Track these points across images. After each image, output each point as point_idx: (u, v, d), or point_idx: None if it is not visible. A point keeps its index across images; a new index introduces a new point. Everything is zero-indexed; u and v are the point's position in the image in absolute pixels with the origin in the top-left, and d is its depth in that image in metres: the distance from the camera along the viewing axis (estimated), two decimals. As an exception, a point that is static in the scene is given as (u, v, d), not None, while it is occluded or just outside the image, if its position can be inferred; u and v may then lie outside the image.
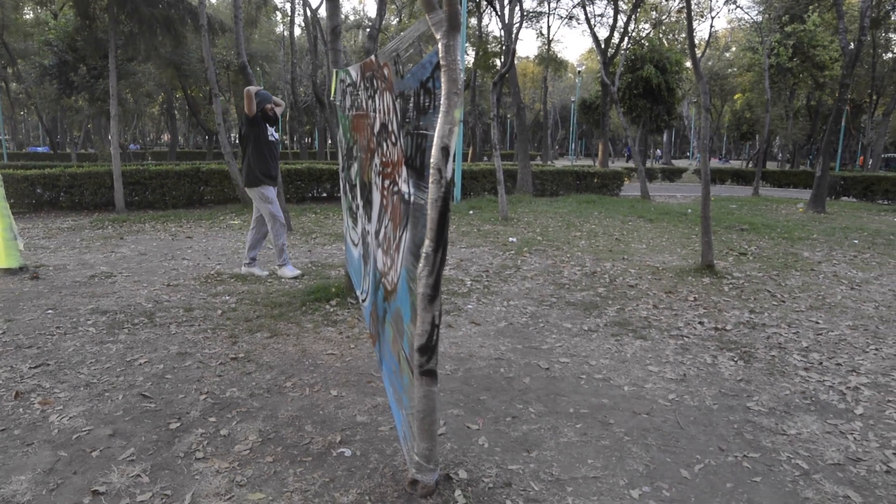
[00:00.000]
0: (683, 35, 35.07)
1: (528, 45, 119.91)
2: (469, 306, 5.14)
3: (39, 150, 39.35)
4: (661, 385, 3.56)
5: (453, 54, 1.95)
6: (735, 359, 4.01)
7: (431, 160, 2.01)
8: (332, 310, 4.89)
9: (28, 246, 7.50)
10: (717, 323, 4.78)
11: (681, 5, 25.39)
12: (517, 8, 14.50)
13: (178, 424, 2.95)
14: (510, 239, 8.57)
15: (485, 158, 36.99)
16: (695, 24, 6.57)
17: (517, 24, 15.77)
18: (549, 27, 43.44)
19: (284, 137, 45.74)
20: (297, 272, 6.08)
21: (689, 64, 29.41)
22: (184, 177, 12.43)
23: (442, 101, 1.98)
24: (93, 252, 7.50)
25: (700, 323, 4.78)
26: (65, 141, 39.85)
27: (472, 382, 3.53)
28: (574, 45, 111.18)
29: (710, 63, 41.35)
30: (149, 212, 11.58)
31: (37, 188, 11.51)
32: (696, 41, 6.97)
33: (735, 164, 47.25)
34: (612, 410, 3.21)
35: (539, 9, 30.46)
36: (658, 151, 51.27)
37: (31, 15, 29.95)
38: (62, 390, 3.34)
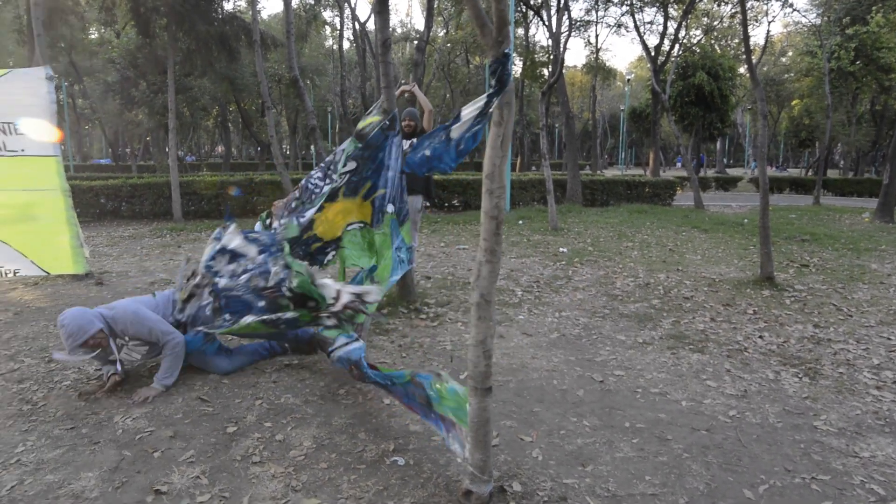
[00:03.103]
0: (737, 41, 34.25)
1: (575, 54, 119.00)
2: (520, 317, 5.09)
3: (102, 162, 41.16)
4: (720, 401, 3.44)
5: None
6: (800, 375, 3.84)
7: (484, 173, 2.02)
8: (383, 319, 4.92)
9: (93, 253, 7.82)
10: (778, 337, 4.60)
11: (734, 10, 24.78)
12: (565, 17, 14.42)
13: (235, 428, 3.01)
14: (561, 249, 8.48)
15: (533, 168, 36.80)
16: (750, 28, 6.38)
17: (565, 34, 15.70)
18: (597, 36, 43.17)
19: (333, 148, 46.54)
20: None
21: (742, 70, 28.67)
22: (238, 187, 12.78)
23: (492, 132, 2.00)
24: (152, 259, 7.77)
25: (760, 337, 4.61)
26: (126, 153, 41.55)
27: (525, 394, 3.49)
28: (623, 53, 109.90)
29: (765, 68, 40.16)
30: (204, 221, 11.95)
31: (101, 198, 12.04)
32: (752, 46, 6.77)
33: (793, 172, 45.67)
34: (669, 426, 3.12)
35: (587, 17, 30.22)
36: (699, 158, 50.03)
37: (96, 35, 31.42)
38: (126, 391, 3.45)
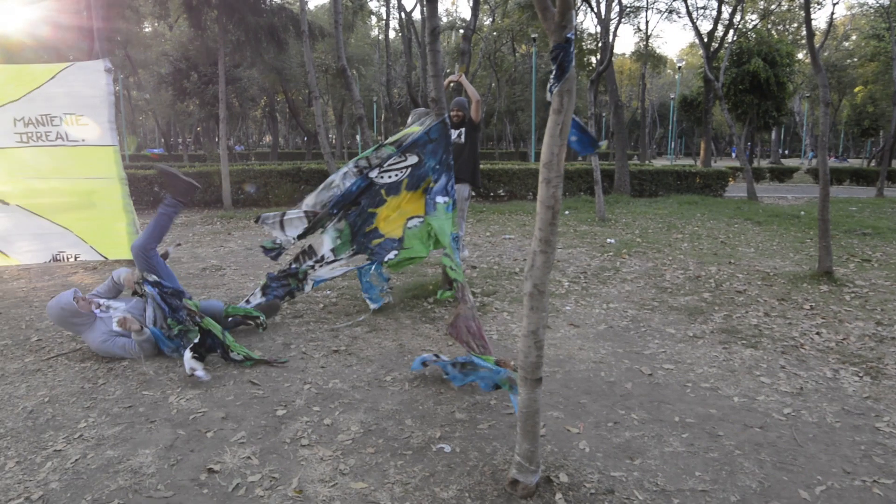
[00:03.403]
0: (796, 24, 32.90)
1: (624, 42, 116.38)
2: (567, 308, 5.04)
3: (155, 151, 42.50)
4: (774, 398, 3.33)
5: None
6: (860, 374, 3.68)
7: (542, 162, 1.99)
8: (429, 307, 4.94)
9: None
10: (837, 334, 4.42)
11: (794, -7, 23.78)
12: (615, 3, 14.10)
13: (285, 412, 3.08)
14: (608, 240, 8.34)
15: (579, 158, 36.33)
16: (812, 11, 6.08)
17: (614, 21, 15.36)
18: (647, 22, 42.06)
19: (379, 137, 46.89)
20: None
21: (801, 55, 27.54)
22: (285, 176, 13.00)
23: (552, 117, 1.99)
24: (204, 246, 7.99)
25: (818, 334, 4.43)
26: (178, 143, 42.79)
27: (572, 385, 3.45)
28: (674, 40, 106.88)
29: (826, 53, 38.48)
30: (253, 209, 12.21)
31: (154, 187, 12.41)
32: (814, 30, 6.49)
33: (854, 162, 43.76)
34: (720, 422, 3.03)
35: (637, 3, 29.51)
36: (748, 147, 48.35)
37: (150, 28, 32.39)
38: (178, 375, 3.56)
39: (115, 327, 3.77)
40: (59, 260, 5.62)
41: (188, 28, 16.93)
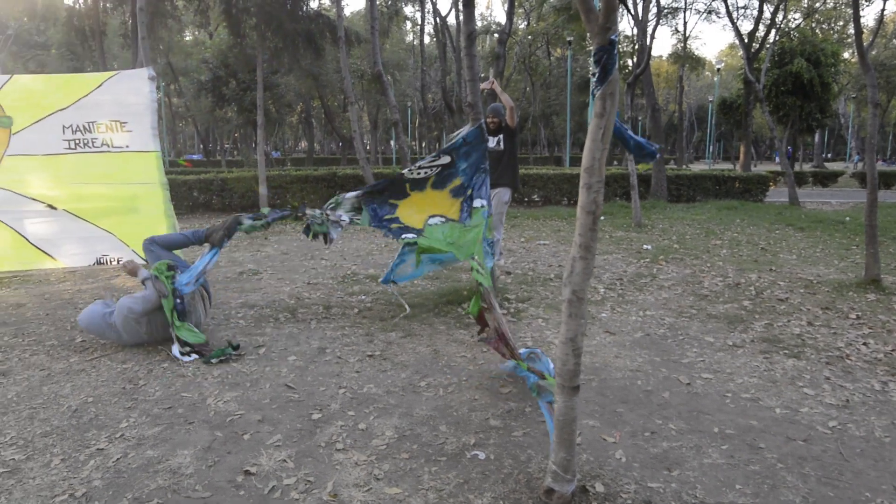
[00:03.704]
0: (842, 23, 31.95)
1: (661, 43, 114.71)
2: (603, 315, 4.97)
3: (194, 157, 43.48)
4: (819, 410, 3.22)
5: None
6: (911, 385, 3.54)
7: (583, 166, 1.97)
8: (463, 313, 4.93)
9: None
10: (886, 345, 4.26)
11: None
12: (652, 4, 13.88)
13: (320, 415, 3.10)
14: (645, 246, 8.22)
15: (615, 163, 35.91)
16: (860, 8, 5.88)
17: (652, 22, 15.14)
18: (685, 23, 41.38)
19: (413, 142, 47.16)
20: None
21: (848, 55, 26.72)
22: (321, 181, 13.17)
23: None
24: (241, 251, 8.13)
25: (864, 344, 4.28)
26: (216, 148, 43.71)
27: (608, 393, 3.40)
28: (713, 41, 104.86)
29: (875, 52, 37.26)
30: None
31: (193, 191, 12.70)
32: (862, 28, 6.29)
33: (902, 166, 42.25)
34: (762, 433, 2.95)
35: (675, 4, 29.07)
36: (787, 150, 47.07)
37: (191, 37, 33.24)
38: (216, 377, 3.63)
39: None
40: (103, 263, 5.78)
41: (228, 36, 17.30)
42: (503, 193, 6.24)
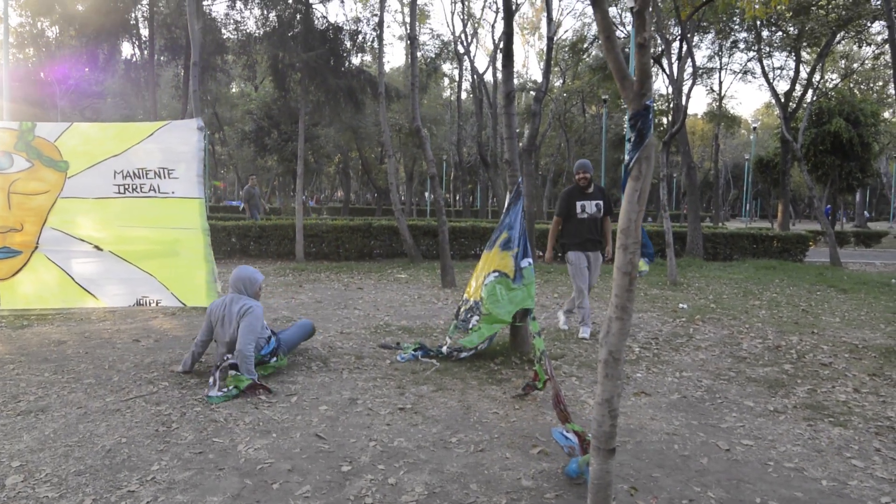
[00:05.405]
0: (881, 83, 31.73)
1: (697, 101, 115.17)
2: (638, 375, 4.86)
3: (234, 203, 44.55)
4: (869, 484, 3.06)
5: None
6: (969, 461, 3.35)
7: (619, 227, 1.98)
8: (496, 368, 4.88)
9: (224, 289, 8.42)
10: (940, 415, 4.06)
11: (878, 52, 23.02)
12: (687, 65, 14.02)
13: (350, 468, 3.06)
14: (680, 305, 8.07)
15: (649, 219, 35.68)
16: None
17: (688, 82, 15.28)
18: (720, 83, 41.57)
19: (447, 195, 47.69)
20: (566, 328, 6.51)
21: (888, 114, 26.43)
22: (357, 231, 13.35)
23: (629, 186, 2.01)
24: (276, 297, 8.24)
25: (917, 414, 4.08)
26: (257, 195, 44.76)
27: (644, 457, 3.29)
28: (748, 101, 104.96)
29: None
30: (324, 262, 12.55)
31: (232, 237, 13.00)
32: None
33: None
34: (809, 507, 2.81)
35: (710, 65, 29.29)
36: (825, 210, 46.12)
37: (237, 89, 34.67)
38: (248, 424, 3.63)
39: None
40: (142, 304, 5.91)
41: (273, 89, 18.00)
42: (598, 257, 6.41)
